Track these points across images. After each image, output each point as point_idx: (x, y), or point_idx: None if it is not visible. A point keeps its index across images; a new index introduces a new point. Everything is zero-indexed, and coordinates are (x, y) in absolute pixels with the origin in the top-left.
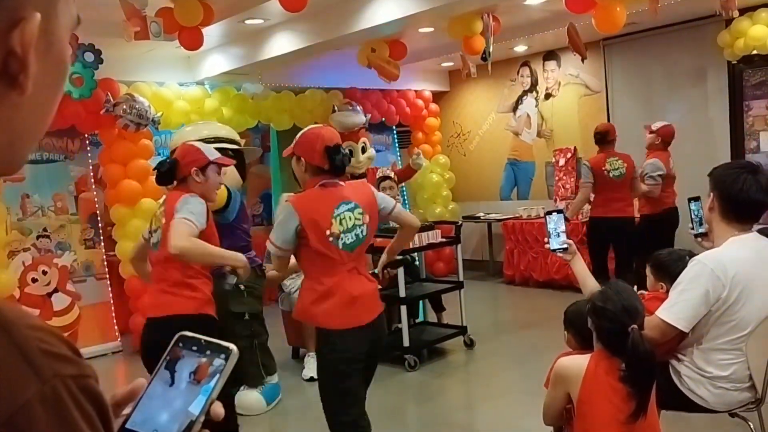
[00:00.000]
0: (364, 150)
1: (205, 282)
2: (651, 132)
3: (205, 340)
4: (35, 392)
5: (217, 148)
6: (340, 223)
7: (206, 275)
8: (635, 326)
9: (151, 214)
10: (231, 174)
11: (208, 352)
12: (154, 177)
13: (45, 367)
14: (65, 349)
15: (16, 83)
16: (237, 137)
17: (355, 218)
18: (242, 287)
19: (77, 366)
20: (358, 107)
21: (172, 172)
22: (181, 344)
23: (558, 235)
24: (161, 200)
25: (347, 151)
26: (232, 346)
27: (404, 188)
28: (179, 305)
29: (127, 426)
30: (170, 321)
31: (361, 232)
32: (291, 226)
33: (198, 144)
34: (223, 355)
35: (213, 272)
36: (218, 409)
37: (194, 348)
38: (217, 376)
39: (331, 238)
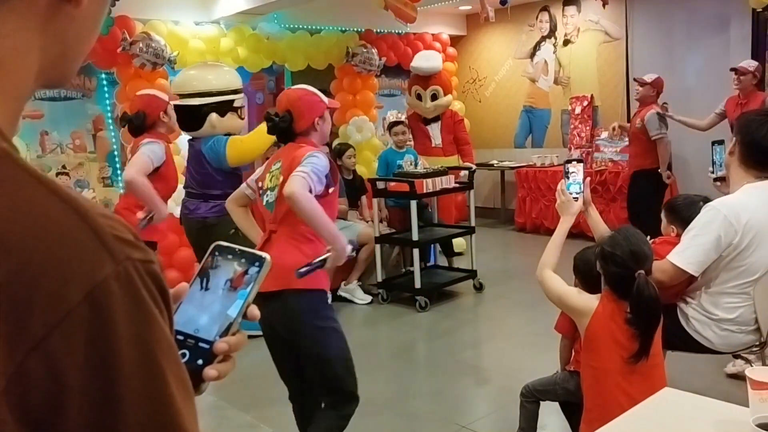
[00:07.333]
0: (435, 97)
1: None
2: (643, 84)
3: (240, 250)
4: (111, 271)
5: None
6: (270, 180)
7: None
8: (642, 271)
9: None
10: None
11: (243, 261)
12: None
13: (118, 250)
14: (132, 236)
15: None
16: (237, 83)
17: (276, 179)
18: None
19: (144, 252)
20: (373, 50)
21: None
22: (217, 253)
23: (576, 183)
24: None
25: (278, 115)
26: (266, 255)
27: None
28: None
29: None
30: None
31: (274, 195)
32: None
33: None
34: (257, 263)
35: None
36: (254, 311)
37: (230, 257)
38: (252, 283)
39: (260, 191)
